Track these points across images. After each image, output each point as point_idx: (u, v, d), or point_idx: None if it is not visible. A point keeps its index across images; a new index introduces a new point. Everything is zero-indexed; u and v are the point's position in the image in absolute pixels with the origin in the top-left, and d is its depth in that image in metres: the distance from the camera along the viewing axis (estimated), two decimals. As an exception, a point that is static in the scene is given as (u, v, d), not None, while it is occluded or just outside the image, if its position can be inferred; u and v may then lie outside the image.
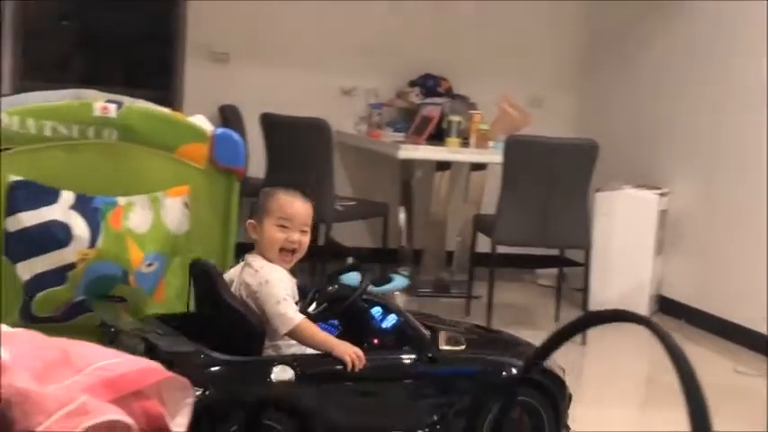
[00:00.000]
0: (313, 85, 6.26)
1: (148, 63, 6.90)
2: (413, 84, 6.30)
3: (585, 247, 4.79)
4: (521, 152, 4.67)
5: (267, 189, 2.74)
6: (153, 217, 2.97)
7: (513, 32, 6.58)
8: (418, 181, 6.08)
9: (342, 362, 2.45)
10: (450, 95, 6.17)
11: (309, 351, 2.51)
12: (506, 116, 5.58)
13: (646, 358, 4.84)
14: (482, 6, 6.46)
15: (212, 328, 2.50)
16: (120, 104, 2.97)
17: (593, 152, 4.65)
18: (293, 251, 2.64)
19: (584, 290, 4.88)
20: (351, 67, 6.37)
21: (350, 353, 2.46)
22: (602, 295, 5.32)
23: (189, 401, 1.33)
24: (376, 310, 2.66)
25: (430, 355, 2.63)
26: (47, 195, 2.82)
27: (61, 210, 2.82)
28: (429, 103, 6.00)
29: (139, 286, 2.94)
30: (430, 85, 6.24)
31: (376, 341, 2.63)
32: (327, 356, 2.46)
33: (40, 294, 2.81)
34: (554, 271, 5.68)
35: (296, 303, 2.58)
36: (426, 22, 6.41)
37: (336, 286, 2.79)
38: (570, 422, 3.76)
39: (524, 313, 5.43)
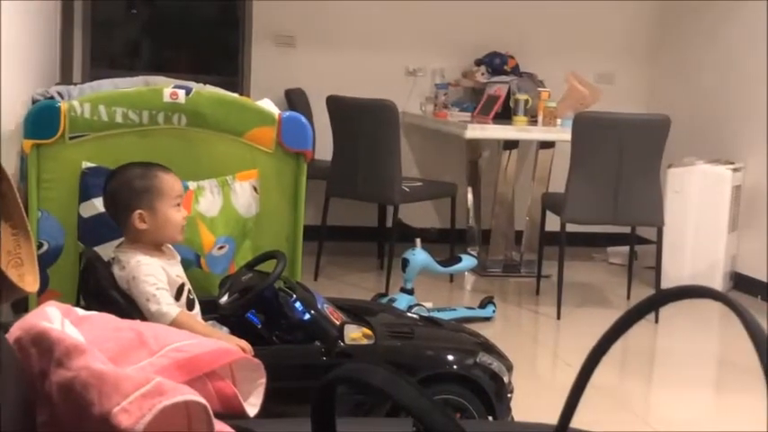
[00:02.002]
0: (378, 67, 6.26)
1: (215, 49, 6.97)
2: (479, 62, 6.25)
3: (658, 224, 4.71)
4: (590, 129, 4.60)
5: (135, 173, 2.52)
6: (223, 201, 3.00)
7: (581, 7, 6.48)
8: (485, 160, 6.04)
9: None
10: (516, 73, 6.11)
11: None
12: (575, 92, 5.51)
13: (719, 337, 4.76)
14: (548, -18, 6.38)
15: None
16: (188, 90, 3.01)
17: (665, 127, 4.57)
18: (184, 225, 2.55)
19: (657, 268, 4.80)
20: (416, 47, 6.34)
21: (233, 345, 2.22)
22: (675, 273, 5.23)
23: (261, 382, 1.35)
24: (299, 303, 2.53)
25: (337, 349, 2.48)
26: (119, 181, 2.86)
27: (133, 195, 2.86)
28: (495, 82, 5.96)
29: (211, 269, 2.97)
30: (496, 63, 6.19)
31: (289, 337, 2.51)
32: None
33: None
34: (625, 249, 5.61)
35: (182, 287, 2.47)
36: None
37: (250, 275, 2.67)
38: (643, 403, 3.73)
39: (595, 292, 5.38)
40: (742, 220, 5.48)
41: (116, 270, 2.46)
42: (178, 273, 2.53)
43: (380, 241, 5.76)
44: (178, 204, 2.52)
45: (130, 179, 2.52)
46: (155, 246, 2.50)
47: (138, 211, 2.46)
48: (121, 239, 2.55)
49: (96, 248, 2.75)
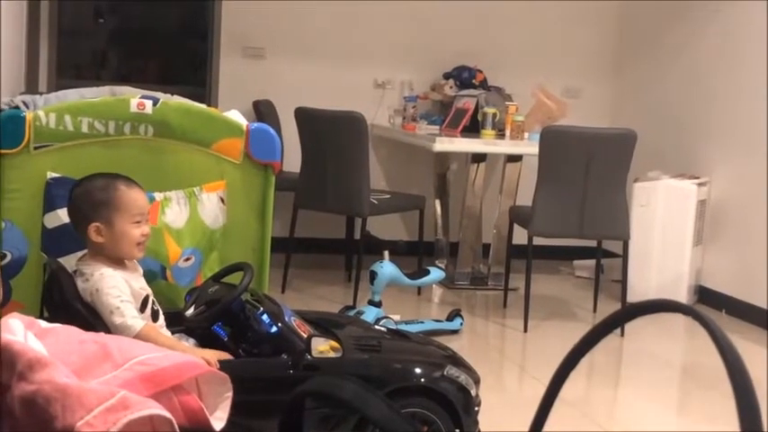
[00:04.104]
0: (347, 79, 6.26)
1: (183, 60, 6.94)
2: (447, 76, 6.27)
3: (624, 238, 4.74)
4: (557, 142, 4.63)
5: (97, 184, 2.51)
6: (189, 212, 2.98)
7: (548, 22, 6.53)
8: (453, 173, 6.06)
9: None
10: (484, 87, 6.13)
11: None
12: (542, 106, 5.55)
13: (685, 350, 4.79)
14: (516, -3, 6.43)
15: None
16: (156, 101, 2.99)
17: (631, 141, 4.60)
18: (144, 242, 2.53)
19: (623, 281, 4.83)
20: (385, 60, 6.35)
21: (199, 357, 2.15)
22: (641, 287, 5.27)
23: (228, 396, 1.33)
24: (265, 316, 2.50)
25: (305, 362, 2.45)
26: (85, 192, 2.83)
27: (99, 206, 2.84)
28: (464, 95, 5.98)
29: (177, 281, 2.95)
30: (465, 76, 6.21)
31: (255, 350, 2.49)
32: None
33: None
34: (592, 263, 5.64)
35: (146, 298, 2.46)
36: (460, 13, 6.38)
37: (217, 287, 2.65)
38: (608, 416, 3.75)
39: (562, 305, 5.40)
40: (707, 235, 5.53)
41: (79, 282, 2.43)
42: (142, 285, 2.51)
43: (348, 254, 5.75)
44: (139, 221, 2.48)
45: (91, 190, 2.49)
46: (116, 259, 2.48)
47: (95, 223, 2.44)
48: (85, 251, 2.52)
49: (60, 260, 2.72)
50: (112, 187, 2.49)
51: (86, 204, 2.48)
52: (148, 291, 2.52)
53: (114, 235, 2.45)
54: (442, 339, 3.58)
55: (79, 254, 2.61)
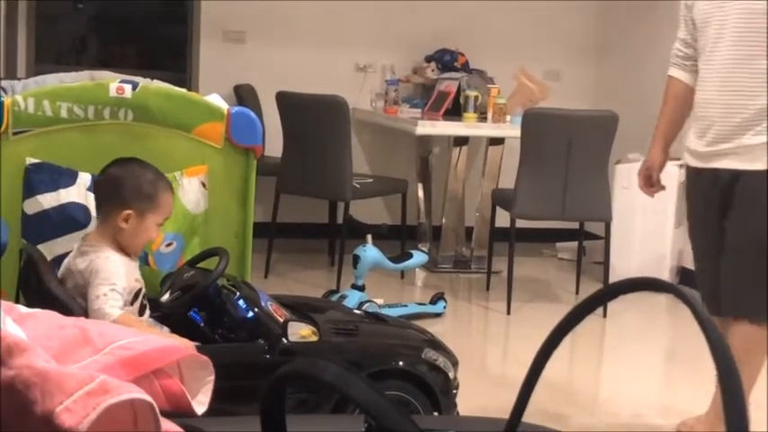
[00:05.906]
0: (328, 63, 6.23)
1: (162, 44, 6.90)
2: (429, 59, 6.26)
3: (606, 219, 4.76)
4: (539, 125, 4.63)
5: (148, 176, 2.52)
6: (171, 197, 2.96)
7: (530, 5, 6.52)
8: (436, 157, 6.05)
9: None
10: (466, 70, 6.12)
11: None
12: (524, 89, 5.55)
13: (667, 331, 4.82)
14: (497, -21, 6.41)
15: None
16: (135, 85, 2.96)
17: (613, 123, 4.61)
18: None
19: (605, 263, 4.85)
20: (366, 43, 6.33)
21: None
22: (623, 268, 5.28)
23: (210, 380, 1.32)
24: (242, 301, 2.50)
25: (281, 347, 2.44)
26: (64, 177, 2.81)
27: (79, 191, 2.82)
28: (446, 78, 5.97)
29: (159, 267, 2.93)
30: (446, 59, 6.20)
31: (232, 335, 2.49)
32: None
33: (60, 276, 2.81)
34: (574, 245, 5.66)
35: (139, 292, 2.45)
36: (441, -3, 6.36)
37: (192, 272, 2.65)
38: (591, 397, 3.77)
39: (544, 287, 5.41)
40: (688, 216, 5.55)
41: (78, 260, 2.41)
42: (137, 276, 2.51)
43: (331, 238, 5.74)
44: (160, 225, 2.53)
45: (141, 178, 2.51)
46: (122, 247, 2.48)
47: (129, 211, 2.45)
48: (67, 236, 2.51)
49: (40, 246, 2.71)
50: (162, 187, 2.53)
51: (130, 189, 2.49)
52: (142, 284, 2.51)
53: (139, 229, 2.47)
54: (425, 323, 3.59)
55: (59, 240, 2.60)
